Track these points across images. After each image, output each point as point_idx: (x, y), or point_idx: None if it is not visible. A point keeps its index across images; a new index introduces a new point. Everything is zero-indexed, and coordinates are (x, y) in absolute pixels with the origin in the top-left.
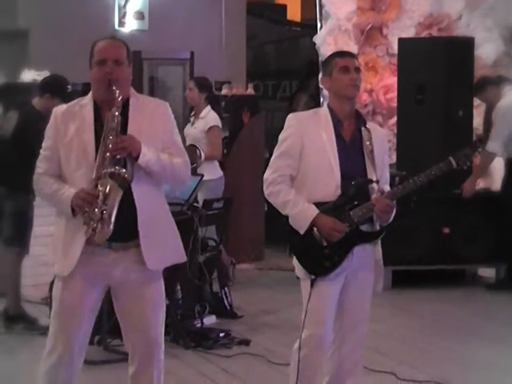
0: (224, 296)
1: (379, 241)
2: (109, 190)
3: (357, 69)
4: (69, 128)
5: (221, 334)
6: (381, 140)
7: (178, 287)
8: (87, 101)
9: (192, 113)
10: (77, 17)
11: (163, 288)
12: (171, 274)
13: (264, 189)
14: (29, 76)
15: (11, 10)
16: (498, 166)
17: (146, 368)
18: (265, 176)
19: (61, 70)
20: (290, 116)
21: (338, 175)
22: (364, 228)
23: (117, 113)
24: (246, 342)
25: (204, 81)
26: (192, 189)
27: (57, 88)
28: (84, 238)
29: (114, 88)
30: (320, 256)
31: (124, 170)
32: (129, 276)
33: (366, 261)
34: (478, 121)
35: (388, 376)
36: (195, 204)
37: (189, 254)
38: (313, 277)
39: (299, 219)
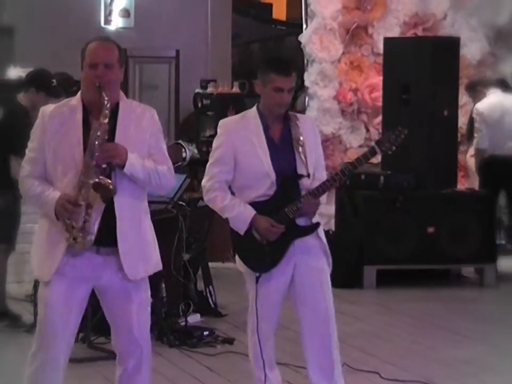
0: (208, 295)
1: (321, 229)
2: (92, 201)
3: (291, 89)
4: (57, 131)
5: (205, 333)
6: (311, 130)
7: (163, 285)
8: (75, 102)
9: None
10: (63, 14)
11: (148, 288)
12: (156, 272)
13: (203, 195)
14: (14, 72)
15: None
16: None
17: (134, 368)
18: (202, 183)
19: (47, 66)
20: (220, 123)
21: (272, 174)
22: (300, 222)
23: (104, 122)
24: (230, 341)
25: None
26: (177, 188)
27: (42, 82)
28: (66, 243)
29: (103, 94)
30: (261, 254)
31: (109, 181)
32: (115, 279)
33: (310, 247)
34: (463, 120)
35: (371, 375)
36: (180, 202)
37: (174, 252)
38: (257, 274)
39: (237, 222)
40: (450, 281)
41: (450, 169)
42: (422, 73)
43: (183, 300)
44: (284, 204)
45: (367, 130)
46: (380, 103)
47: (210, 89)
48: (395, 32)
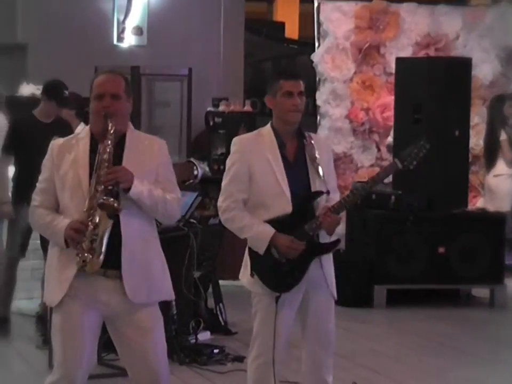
0: (219, 312)
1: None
2: (99, 220)
3: (301, 93)
4: (65, 160)
5: (215, 350)
6: (325, 150)
7: (173, 303)
8: (84, 134)
9: None
10: (76, 32)
11: (159, 313)
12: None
13: (220, 215)
14: (27, 89)
15: (10, 24)
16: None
17: None
18: (218, 203)
19: None
20: (234, 140)
21: (288, 193)
22: (319, 239)
23: (109, 144)
24: (240, 359)
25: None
26: (188, 205)
27: (53, 91)
28: (75, 268)
29: (108, 121)
30: (282, 273)
31: (113, 199)
32: (125, 305)
33: (318, 273)
34: (474, 141)
35: None
36: (191, 220)
37: (184, 269)
38: (277, 294)
39: (257, 241)
40: (461, 301)
41: (461, 189)
42: (434, 93)
43: (193, 318)
44: (300, 222)
45: (379, 149)
46: (391, 123)
47: (222, 108)
48: (407, 52)
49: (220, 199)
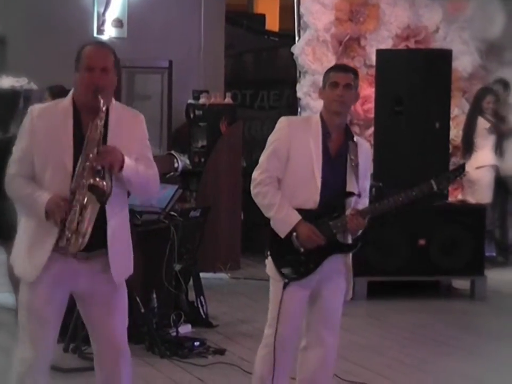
0: (199, 305)
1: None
2: (87, 202)
3: (348, 85)
4: (46, 133)
5: (196, 343)
6: (366, 155)
7: (154, 296)
8: (66, 105)
9: None
10: (56, 24)
11: (126, 292)
12: (147, 282)
13: (252, 188)
14: (6, 82)
15: None
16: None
17: (113, 374)
18: (253, 175)
19: (39, 76)
20: (282, 118)
21: (319, 183)
22: (340, 238)
23: (100, 124)
24: (221, 351)
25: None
26: (169, 198)
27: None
28: (52, 243)
29: (99, 97)
30: (296, 261)
31: (104, 183)
32: (94, 285)
33: (338, 267)
34: (454, 132)
35: None
36: (172, 213)
37: (165, 262)
38: (286, 280)
39: (281, 223)
40: (441, 293)
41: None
42: (414, 86)
43: (174, 310)
44: (326, 217)
45: None
46: (372, 115)
47: (202, 100)
48: (387, 44)
49: (256, 172)
